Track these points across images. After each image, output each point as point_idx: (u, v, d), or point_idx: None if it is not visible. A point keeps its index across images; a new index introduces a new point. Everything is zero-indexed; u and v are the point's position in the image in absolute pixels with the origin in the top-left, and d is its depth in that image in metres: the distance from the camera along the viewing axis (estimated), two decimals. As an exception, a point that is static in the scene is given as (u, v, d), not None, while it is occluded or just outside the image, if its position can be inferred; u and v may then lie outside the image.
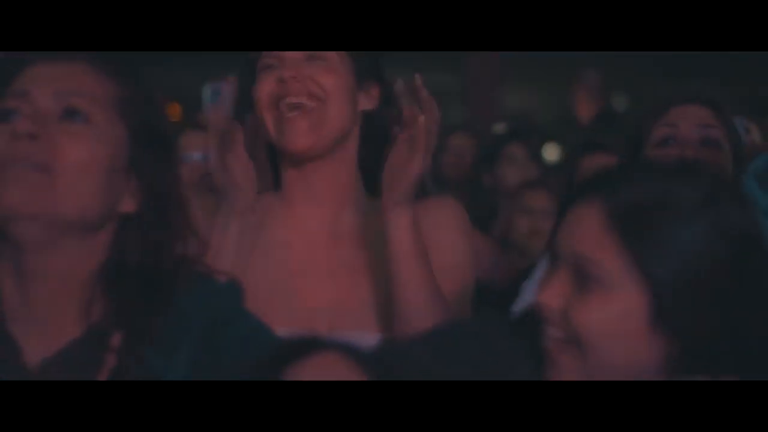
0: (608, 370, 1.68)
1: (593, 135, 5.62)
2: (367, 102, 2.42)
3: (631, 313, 1.67)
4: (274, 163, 2.48)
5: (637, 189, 1.69)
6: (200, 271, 1.86)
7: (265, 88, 2.38)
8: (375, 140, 2.43)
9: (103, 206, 1.80)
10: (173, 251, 1.84)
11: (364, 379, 1.54)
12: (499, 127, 6.89)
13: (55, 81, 1.82)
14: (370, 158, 2.43)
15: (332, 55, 2.38)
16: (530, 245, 4.49)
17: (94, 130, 1.80)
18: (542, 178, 5.01)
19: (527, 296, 2.86)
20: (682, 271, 1.65)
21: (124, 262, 1.80)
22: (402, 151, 2.26)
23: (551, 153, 5.63)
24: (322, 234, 2.42)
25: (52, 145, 1.77)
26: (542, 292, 1.71)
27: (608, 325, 1.67)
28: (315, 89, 2.35)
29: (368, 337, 2.25)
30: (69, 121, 1.80)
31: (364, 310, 2.35)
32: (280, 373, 1.53)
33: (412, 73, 2.29)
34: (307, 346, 1.58)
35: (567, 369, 1.70)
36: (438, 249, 2.36)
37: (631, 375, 1.67)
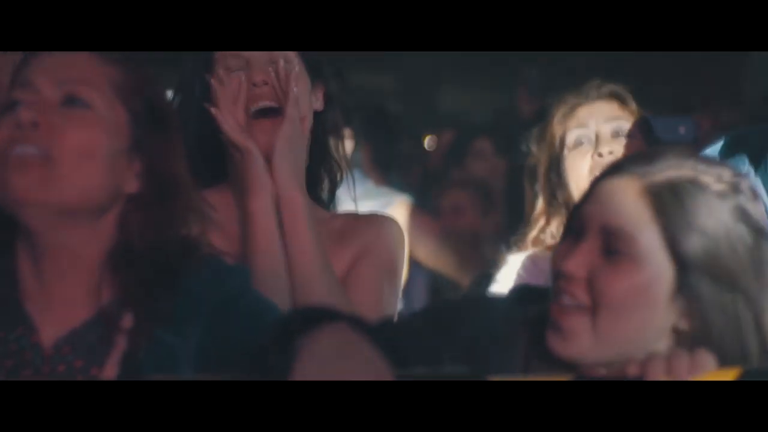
0: (617, 336, 1.76)
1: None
2: (315, 103, 2.42)
3: (656, 285, 1.75)
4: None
5: (672, 169, 1.78)
6: (207, 252, 1.89)
7: (239, 94, 2.33)
8: (319, 141, 2.43)
9: (106, 190, 1.84)
10: (178, 231, 1.87)
11: (372, 347, 1.61)
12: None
13: (57, 70, 1.85)
14: (313, 159, 2.43)
15: (292, 56, 2.36)
16: None
17: (95, 115, 1.83)
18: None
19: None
20: (707, 250, 1.74)
21: (131, 242, 1.84)
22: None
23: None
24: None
25: (53, 131, 1.80)
26: (567, 261, 1.77)
27: (633, 295, 1.75)
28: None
29: None
30: (70, 107, 1.83)
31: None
32: (293, 342, 1.60)
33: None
34: (319, 316, 1.65)
35: (575, 335, 1.76)
36: (363, 263, 2.38)
37: (637, 343, 1.74)
